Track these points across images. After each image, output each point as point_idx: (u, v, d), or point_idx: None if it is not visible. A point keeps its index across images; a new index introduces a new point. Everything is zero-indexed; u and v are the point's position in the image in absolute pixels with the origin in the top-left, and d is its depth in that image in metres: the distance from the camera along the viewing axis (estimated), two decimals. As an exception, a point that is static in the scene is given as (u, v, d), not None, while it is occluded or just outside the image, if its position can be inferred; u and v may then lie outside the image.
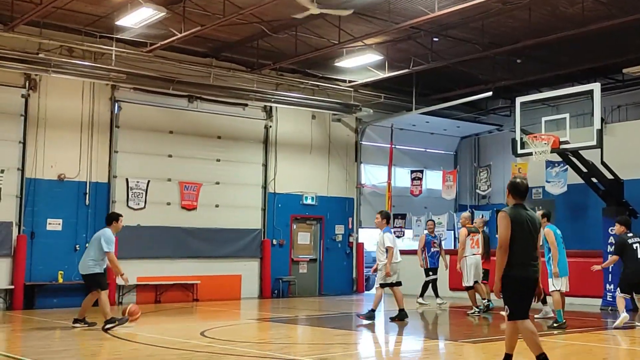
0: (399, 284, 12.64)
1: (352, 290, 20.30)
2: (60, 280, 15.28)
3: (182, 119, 17.82)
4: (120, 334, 10.64)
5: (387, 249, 12.19)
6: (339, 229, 20.34)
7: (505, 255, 6.54)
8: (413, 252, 19.53)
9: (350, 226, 20.70)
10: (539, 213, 11.62)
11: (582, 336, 10.29)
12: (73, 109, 16.21)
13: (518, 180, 6.91)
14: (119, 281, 16.18)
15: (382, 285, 12.35)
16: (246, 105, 18.64)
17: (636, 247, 11.30)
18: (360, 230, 21.04)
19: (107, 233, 11.29)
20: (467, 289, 13.79)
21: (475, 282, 13.70)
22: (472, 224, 14.44)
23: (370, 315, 12.23)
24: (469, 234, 13.90)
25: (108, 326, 10.94)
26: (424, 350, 9.70)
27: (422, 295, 15.87)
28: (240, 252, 18.37)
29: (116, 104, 16.81)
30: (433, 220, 16.93)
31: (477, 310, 13.40)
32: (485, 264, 14.12)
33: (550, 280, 11.29)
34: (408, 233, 21.20)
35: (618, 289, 11.63)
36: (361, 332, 11.68)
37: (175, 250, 17.31)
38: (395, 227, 21.05)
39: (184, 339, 9.86)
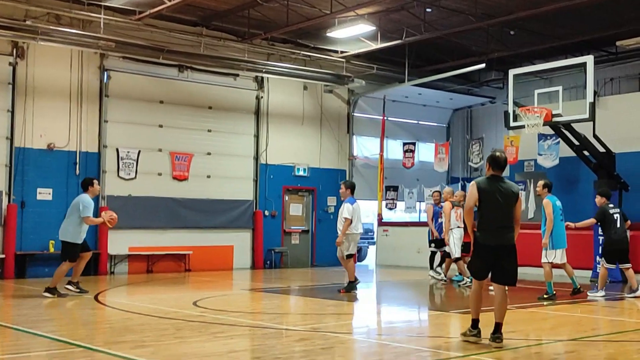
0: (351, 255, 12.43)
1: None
2: (52, 250, 15.23)
3: (172, 88, 17.67)
4: (113, 303, 10.64)
5: (345, 220, 12.01)
6: (331, 201, 20.35)
7: (469, 219, 7.26)
8: (406, 225, 19.63)
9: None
10: (540, 183, 11.64)
11: (572, 307, 10.38)
12: (62, 78, 16.02)
13: (497, 153, 7.36)
14: (110, 250, 16.25)
15: (348, 256, 12.27)
16: (237, 75, 18.48)
17: (617, 217, 11.60)
18: (352, 202, 21.04)
19: (85, 198, 11.40)
20: (456, 260, 13.92)
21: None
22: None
23: (351, 286, 12.17)
24: (452, 207, 13.96)
25: (45, 294, 11.07)
26: (415, 321, 9.76)
27: (440, 265, 14.97)
28: (232, 223, 18.36)
29: (105, 73, 16.63)
30: (439, 191, 16.16)
31: (468, 280, 13.48)
32: (466, 237, 14.07)
33: (543, 251, 11.34)
34: (400, 205, 21.23)
35: (603, 259, 11.83)
36: (354, 303, 11.73)
37: (167, 221, 17.27)
38: (388, 199, 21.11)
39: (176, 308, 9.86)
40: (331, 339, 7.46)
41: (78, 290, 11.43)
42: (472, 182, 7.23)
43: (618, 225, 11.58)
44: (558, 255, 11.30)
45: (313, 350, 6.93)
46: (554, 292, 11.20)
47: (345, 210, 12.04)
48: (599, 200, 11.88)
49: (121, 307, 10.15)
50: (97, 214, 13.02)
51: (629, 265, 11.65)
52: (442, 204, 14.86)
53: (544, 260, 11.30)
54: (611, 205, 11.80)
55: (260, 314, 10.00)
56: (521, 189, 17.83)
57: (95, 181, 11.84)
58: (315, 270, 18.24)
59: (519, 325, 8.56)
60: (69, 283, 11.47)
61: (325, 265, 19.21)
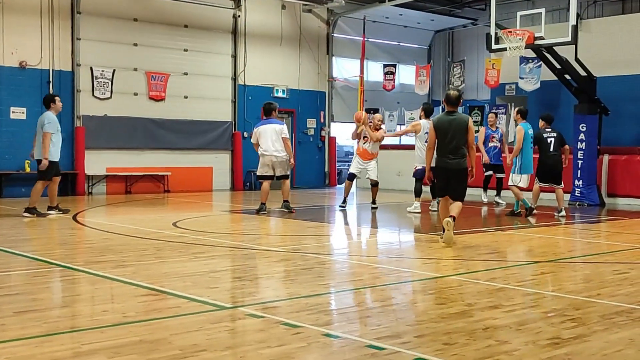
0: (283, 177, 12.52)
1: (324, 183, 20.44)
2: (27, 170, 15.03)
3: (146, 6, 17.13)
4: (92, 224, 10.59)
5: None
6: (311, 123, 20.21)
7: (430, 152, 8.79)
8: (386, 148, 19.52)
9: (322, 120, 20.57)
10: (514, 110, 11.89)
11: (550, 230, 10.53)
12: (32, -7, 15.44)
13: (450, 91, 8.80)
14: (88, 171, 16.09)
15: (259, 177, 12.60)
16: (214, -8, 17.97)
17: (550, 141, 12.11)
18: (332, 124, 20.94)
19: (49, 115, 11.26)
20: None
21: None
22: None
23: (261, 208, 12.20)
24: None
25: (25, 214, 11.08)
26: (395, 242, 9.86)
27: (498, 193, 14.50)
28: (210, 144, 18.21)
29: (77, -12, 16.05)
30: (495, 113, 15.59)
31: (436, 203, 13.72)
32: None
33: (510, 175, 12.10)
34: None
35: (537, 179, 12.27)
36: (333, 225, 11.81)
37: (145, 142, 17.08)
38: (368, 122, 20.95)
39: (156, 229, 9.84)
40: (311, 260, 7.50)
41: (60, 211, 11.42)
42: (430, 122, 8.53)
43: (551, 148, 12.08)
44: (524, 180, 11.99)
45: (293, 271, 6.98)
46: (519, 210, 12.04)
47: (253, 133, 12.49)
48: (540, 124, 12.37)
49: (100, 228, 10.10)
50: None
51: (560, 186, 12.26)
52: (497, 126, 14.74)
53: (510, 183, 12.12)
54: (548, 130, 12.23)
55: (240, 235, 10.02)
56: (502, 113, 17.82)
57: (57, 98, 11.65)
58: (295, 192, 18.27)
59: (497, 247, 8.68)
60: (49, 208, 11.40)
61: (304, 187, 19.26)
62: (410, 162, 13.60)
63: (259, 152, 12.31)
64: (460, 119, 8.59)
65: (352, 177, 13.49)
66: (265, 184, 12.40)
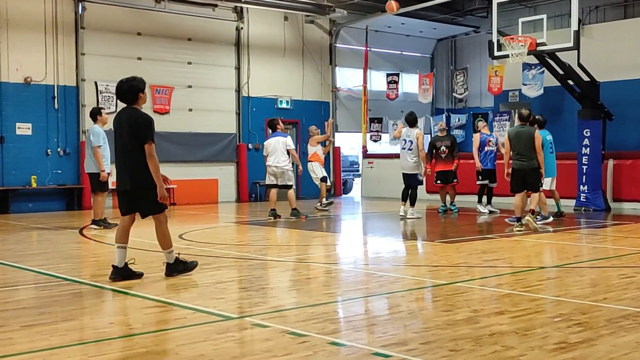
0: (285, 187, 13.30)
1: (330, 193, 20.40)
2: (34, 185, 15.11)
3: (150, 20, 17.24)
4: (98, 237, 10.62)
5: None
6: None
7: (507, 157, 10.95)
8: (390, 157, 19.49)
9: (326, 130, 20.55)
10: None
11: (556, 235, 10.51)
12: (35, 10, 15.59)
13: (522, 109, 10.89)
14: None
15: (266, 186, 13.78)
16: (216, 5, 18.06)
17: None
18: (336, 134, 20.98)
19: (95, 129, 11.52)
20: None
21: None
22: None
23: (270, 213, 13.14)
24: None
25: (92, 226, 11.43)
26: (400, 251, 9.85)
27: (479, 201, 14.22)
28: (216, 156, 18.26)
29: (80, 4, 16.19)
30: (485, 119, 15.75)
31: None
32: (449, 165, 14.02)
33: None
34: (385, 137, 21.18)
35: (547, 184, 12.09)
36: (339, 234, 11.81)
37: (150, 155, 17.09)
38: (372, 132, 21.04)
39: (162, 241, 9.84)
40: (317, 269, 7.50)
41: (106, 225, 11.50)
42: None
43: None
44: (547, 182, 11.97)
45: (299, 280, 6.98)
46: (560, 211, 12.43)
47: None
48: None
49: (106, 241, 10.12)
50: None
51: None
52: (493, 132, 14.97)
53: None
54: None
55: (246, 246, 10.03)
56: (506, 119, 17.83)
57: (103, 110, 11.89)
58: (301, 202, 18.25)
59: (503, 254, 8.67)
60: (93, 222, 11.57)
61: (310, 198, 19.25)
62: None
63: (268, 163, 13.25)
64: (527, 131, 10.63)
65: (325, 179, 15.25)
66: (272, 192, 13.40)
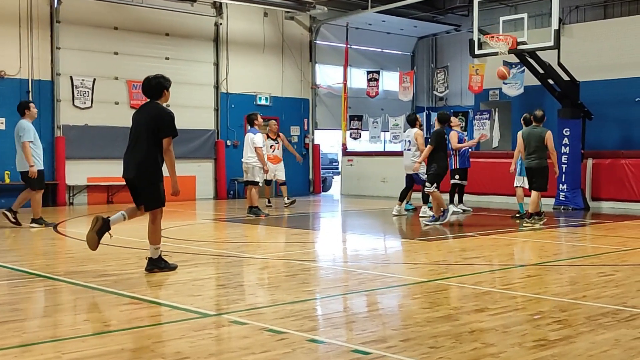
0: (251, 182, 13.27)
1: (309, 191, 20.36)
2: (7, 181, 14.83)
3: (127, 14, 17.01)
4: (73, 234, 10.45)
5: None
6: (295, 130, 20.14)
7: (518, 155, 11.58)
8: (370, 154, 19.41)
9: (305, 127, 20.52)
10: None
11: (535, 233, 10.53)
12: (10, 2, 15.29)
13: (536, 111, 11.57)
14: (68, 181, 15.92)
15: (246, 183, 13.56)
16: (195, 0, 17.89)
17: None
18: (316, 131, 20.90)
19: (24, 123, 11.06)
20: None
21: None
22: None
23: (250, 210, 13.05)
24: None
25: (33, 225, 11.00)
26: (380, 249, 9.81)
27: (451, 201, 13.71)
28: (193, 152, 18.07)
29: (56, -3, 15.92)
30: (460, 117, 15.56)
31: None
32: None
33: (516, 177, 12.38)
34: (365, 135, 21.14)
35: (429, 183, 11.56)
36: (318, 232, 11.73)
37: (126, 151, 16.89)
38: (352, 129, 20.98)
39: (138, 238, 9.70)
40: (295, 267, 7.43)
41: (14, 220, 11.11)
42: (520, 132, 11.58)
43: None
44: (526, 181, 12.00)
45: (277, 277, 6.91)
46: (525, 212, 11.87)
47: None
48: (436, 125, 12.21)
49: (81, 238, 9.91)
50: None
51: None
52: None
53: (515, 184, 12.33)
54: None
55: (224, 243, 9.92)
56: (486, 118, 17.86)
57: (32, 104, 11.42)
58: (280, 200, 18.18)
59: (483, 252, 8.65)
60: (33, 221, 11.12)
61: (289, 195, 19.13)
62: (398, 168, 13.72)
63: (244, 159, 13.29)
64: (540, 131, 11.14)
65: (269, 182, 15.36)
66: (252, 189, 13.30)
